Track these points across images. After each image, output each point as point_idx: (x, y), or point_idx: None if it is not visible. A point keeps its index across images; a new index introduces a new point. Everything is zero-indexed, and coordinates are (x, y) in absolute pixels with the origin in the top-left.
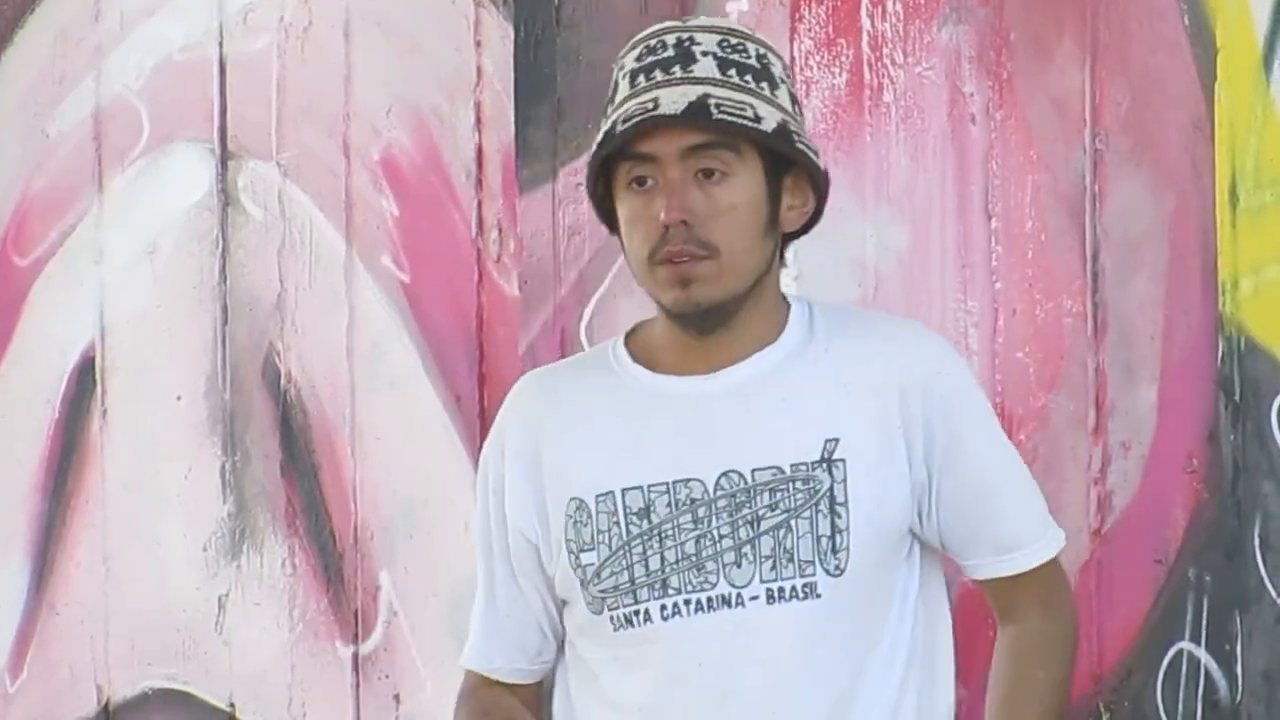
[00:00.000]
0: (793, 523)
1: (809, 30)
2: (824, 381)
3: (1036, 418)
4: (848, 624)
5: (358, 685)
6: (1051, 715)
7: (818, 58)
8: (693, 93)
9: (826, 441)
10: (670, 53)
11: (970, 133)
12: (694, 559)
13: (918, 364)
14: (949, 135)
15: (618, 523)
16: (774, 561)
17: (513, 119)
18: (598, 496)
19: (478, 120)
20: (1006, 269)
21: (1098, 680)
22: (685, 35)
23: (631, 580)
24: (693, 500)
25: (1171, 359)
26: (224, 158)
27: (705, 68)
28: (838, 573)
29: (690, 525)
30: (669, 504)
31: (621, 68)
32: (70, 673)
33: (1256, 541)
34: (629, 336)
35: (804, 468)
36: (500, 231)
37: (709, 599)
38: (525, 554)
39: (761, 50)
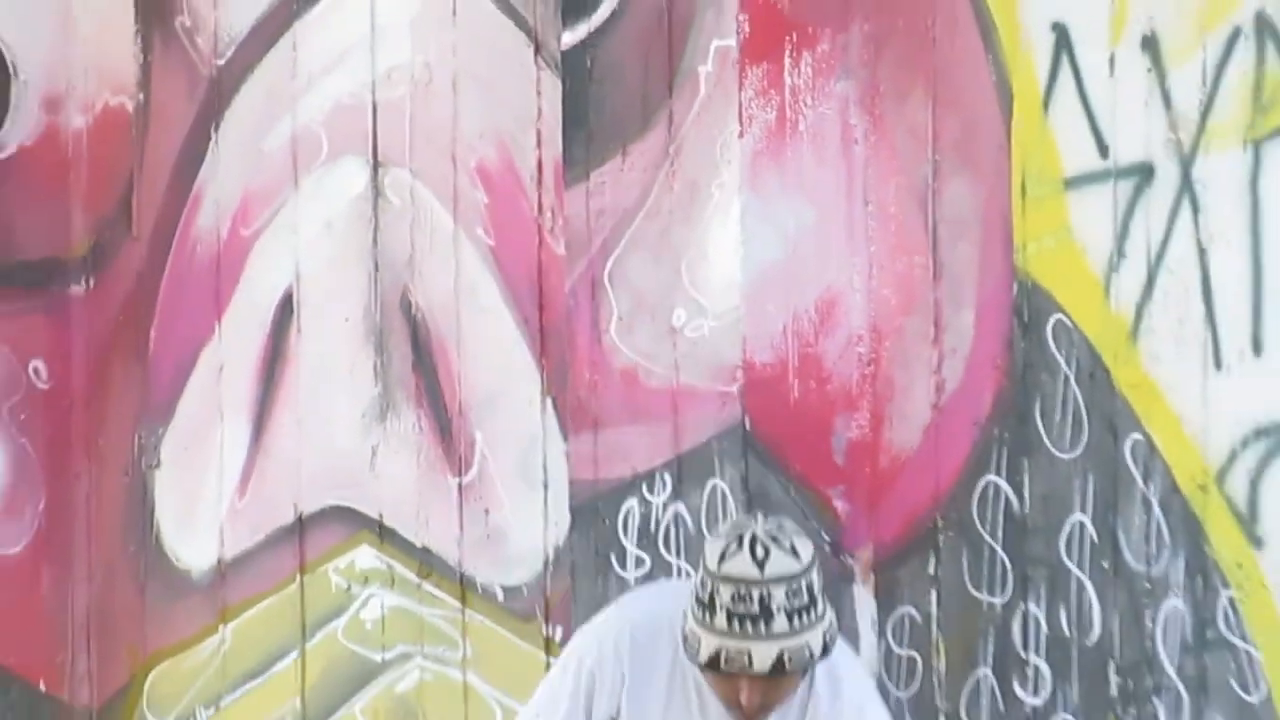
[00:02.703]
0: None
1: (750, 84)
2: None
3: (897, 333)
4: None
5: (460, 503)
6: None
7: (757, 101)
8: (773, 651)
9: None
10: (755, 608)
11: (854, 150)
12: None
13: None
14: (840, 152)
15: None
16: None
17: (560, 141)
18: None
19: (538, 141)
20: (878, 237)
21: (936, 500)
22: (764, 592)
23: None
24: None
25: (984, 294)
26: (375, 166)
27: (780, 624)
28: None
29: None
30: None
31: (717, 592)
32: (276, 494)
33: (1038, 411)
34: None
35: None
36: (553, 213)
37: None
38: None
39: (809, 580)
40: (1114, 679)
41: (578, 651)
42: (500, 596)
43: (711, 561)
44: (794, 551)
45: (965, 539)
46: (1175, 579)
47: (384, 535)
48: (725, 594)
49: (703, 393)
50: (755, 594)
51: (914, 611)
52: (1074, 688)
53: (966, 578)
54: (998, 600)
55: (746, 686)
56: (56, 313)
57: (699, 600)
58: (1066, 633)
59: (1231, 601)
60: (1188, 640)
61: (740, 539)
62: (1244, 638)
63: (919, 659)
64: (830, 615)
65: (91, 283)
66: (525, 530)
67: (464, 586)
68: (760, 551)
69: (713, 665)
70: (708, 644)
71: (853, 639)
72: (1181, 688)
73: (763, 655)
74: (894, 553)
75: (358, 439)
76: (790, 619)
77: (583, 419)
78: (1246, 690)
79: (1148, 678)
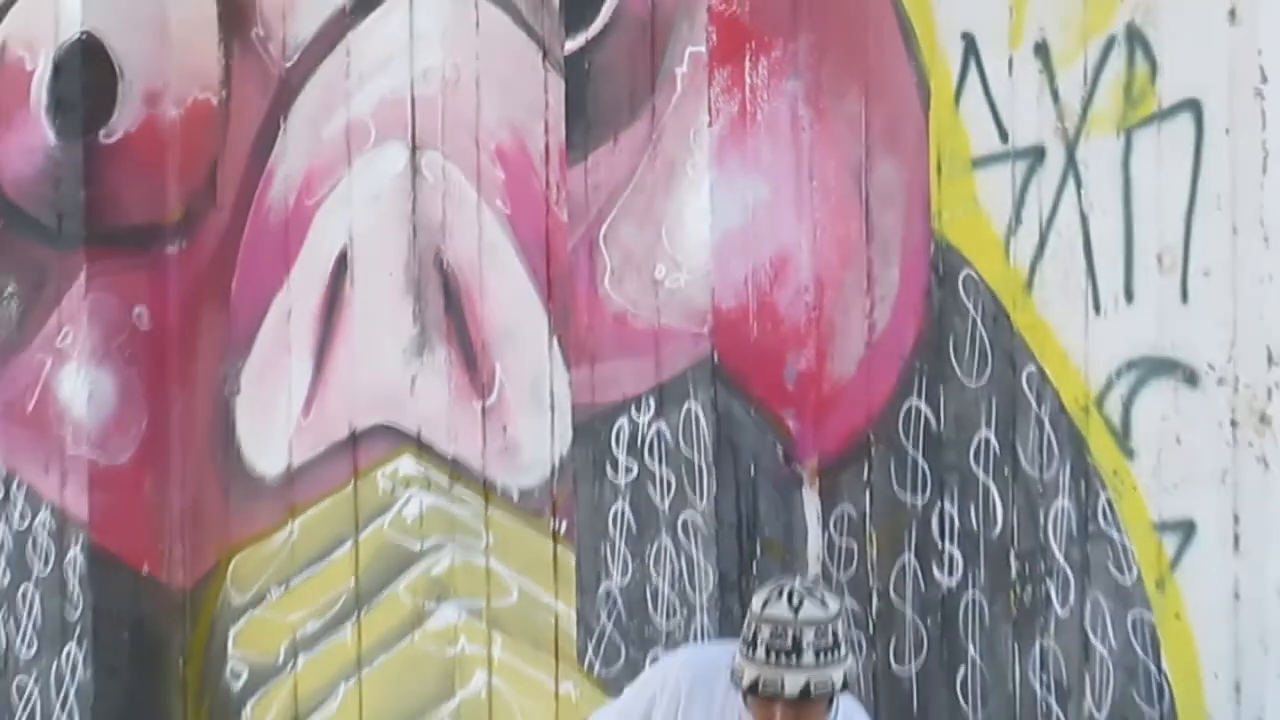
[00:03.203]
0: None
1: (718, 82)
2: None
3: (838, 283)
4: None
5: (483, 421)
6: None
7: (723, 97)
8: (801, 680)
9: None
10: (788, 644)
11: (802, 137)
12: None
13: None
14: (791, 138)
15: None
16: None
17: (564, 128)
18: None
19: (545, 129)
20: (822, 206)
21: (869, 419)
22: (797, 631)
23: None
24: None
25: (907, 252)
26: (414, 148)
27: (808, 658)
28: None
29: None
30: None
31: (759, 631)
32: (334, 414)
33: (951, 347)
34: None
35: None
36: (557, 187)
37: None
38: None
39: (835, 626)
40: (1014, 564)
41: (646, 681)
42: (516, 497)
43: (756, 607)
44: (823, 603)
45: (892, 450)
46: (1063, 483)
47: (422, 448)
48: (765, 632)
49: (679, 332)
50: (789, 633)
51: (851, 509)
52: (981, 571)
53: (894, 482)
54: (919, 500)
55: (779, 711)
56: (155, 268)
57: (744, 639)
58: (975, 526)
59: (1109, 501)
60: (1073, 533)
61: (780, 590)
62: (1119, 530)
63: (855, 548)
64: (851, 660)
65: (184, 243)
66: (536, 443)
67: (486, 489)
68: (795, 600)
69: (752, 690)
70: (749, 673)
71: (801, 533)
72: (1068, 571)
73: (793, 682)
74: (835, 462)
75: (400, 369)
76: (817, 655)
77: (582, 354)
78: (1121, 573)
79: (1041, 563)
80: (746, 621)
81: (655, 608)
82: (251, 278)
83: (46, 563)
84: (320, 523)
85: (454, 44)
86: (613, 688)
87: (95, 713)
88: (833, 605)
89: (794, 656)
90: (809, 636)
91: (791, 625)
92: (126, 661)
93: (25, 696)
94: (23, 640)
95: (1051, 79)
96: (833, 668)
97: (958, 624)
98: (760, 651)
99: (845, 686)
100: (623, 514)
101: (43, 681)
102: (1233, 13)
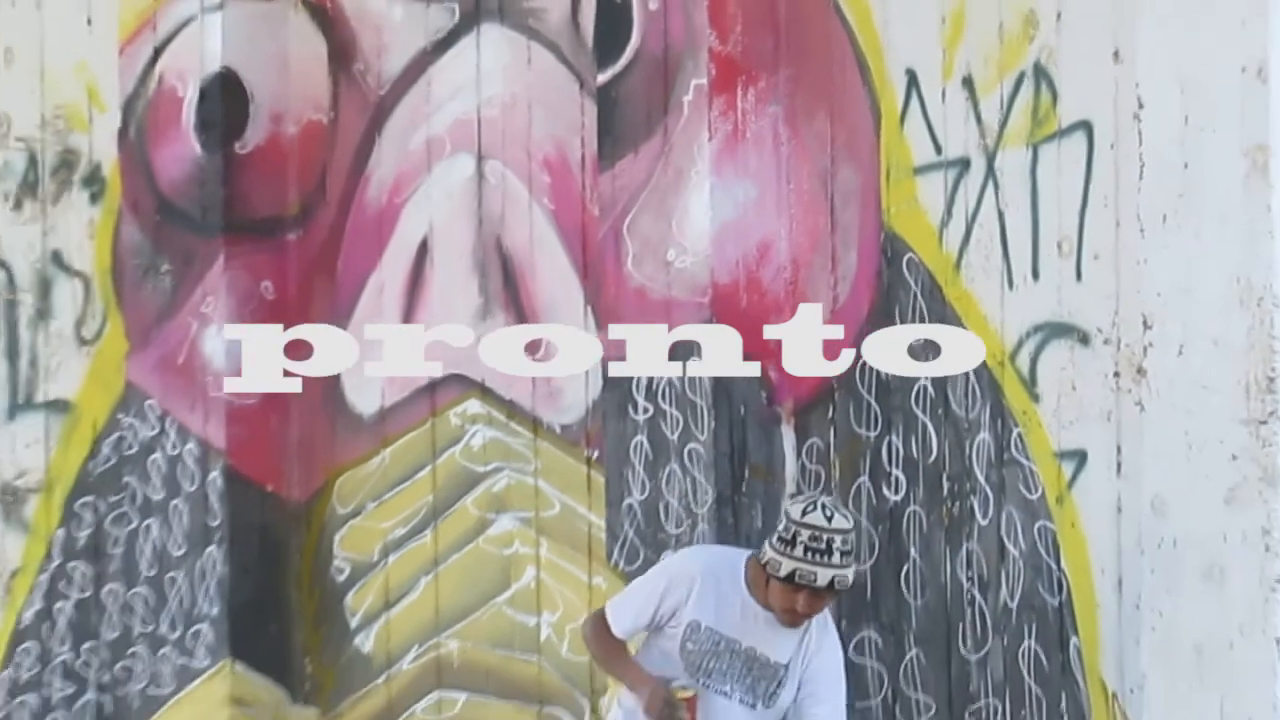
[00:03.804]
0: (764, 683)
1: (716, 107)
2: (801, 650)
3: (809, 263)
4: None
5: None
6: None
7: (720, 118)
8: (829, 574)
9: (784, 664)
10: (822, 545)
11: (781, 149)
12: (725, 673)
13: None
14: (773, 150)
15: (710, 639)
16: (752, 691)
17: (596, 143)
18: (706, 627)
19: (582, 143)
20: (797, 204)
21: (837, 374)
22: (829, 537)
23: (703, 663)
24: (737, 653)
25: (864, 239)
26: (480, 158)
27: (835, 559)
28: (770, 705)
29: (730, 659)
30: (731, 651)
31: (799, 533)
32: (417, 366)
33: (897, 315)
34: (749, 574)
35: (780, 668)
36: (591, 189)
37: (722, 690)
38: (661, 609)
39: (854, 537)
40: (945, 484)
41: (665, 567)
42: (559, 430)
43: (795, 514)
44: (847, 518)
45: (851, 395)
46: (984, 420)
47: (485, 392)
48: (804, 535)
49: (685, 303)
50: (824, 537)
51: (819, 441)
52: (920, 490)
53: (852, 419)
54: (871, 434)
55: (803, 597)
56: (278, 251)
57: (782, 539)
58: (915, 455)
59: (1019, 436)
60: (992, 459)
61: (815, 503)
62: (1027, 458)
63: (823, 471)
64: (857, 567)
65: (300, 232)
66: (574, 389)
67: (535, 424)
68: (829, 512)
69: (789, 579)
70: (787, 565)
71: (780, 460)
72: (988, 489)
73: (823, 575)
74: (807, 404)
75: (466, 325)
76: (841, 557)
77: (610, 319)
78: (1029, 491)
79: (967, 483)
80: (785, 526)
81: (666, 518)
82: (353, 259)
83: (193, 482)
84: (406, 451)
85: (511, 76)
86: (633, 580)
87: (230, 601)
88: (853, 521)
89: (826, 556)
90: (837, 542)
91: (826, 531)
92: (255, 560)
93: (176, 587)
94: (174, 544)
95: (975, 105)
96: (849, 569)
97: (901, 531)
98: (799, 550)
99: (852, 585)
100: (641, 445)
101: (190, 576)
102: (1116, 54)
